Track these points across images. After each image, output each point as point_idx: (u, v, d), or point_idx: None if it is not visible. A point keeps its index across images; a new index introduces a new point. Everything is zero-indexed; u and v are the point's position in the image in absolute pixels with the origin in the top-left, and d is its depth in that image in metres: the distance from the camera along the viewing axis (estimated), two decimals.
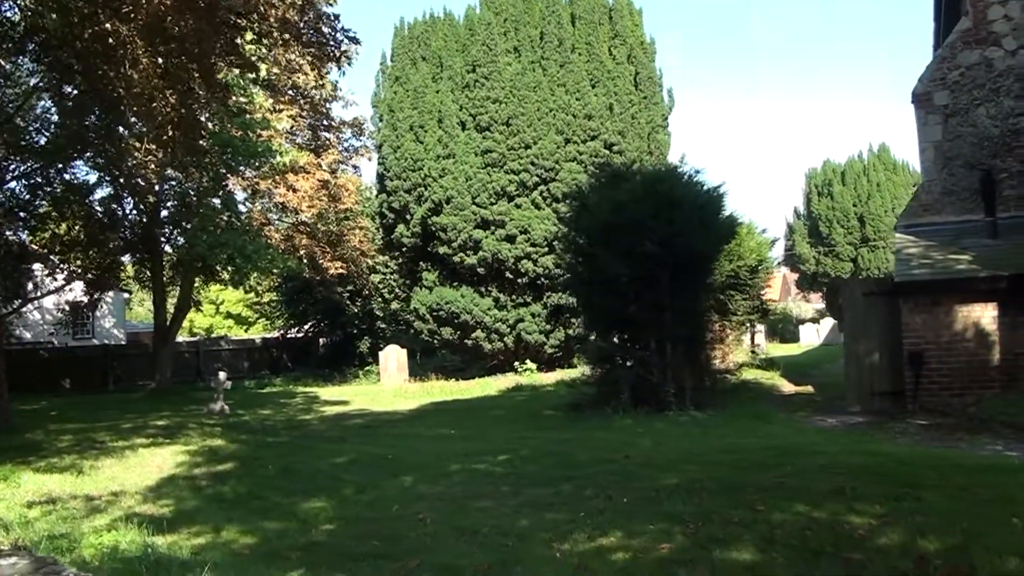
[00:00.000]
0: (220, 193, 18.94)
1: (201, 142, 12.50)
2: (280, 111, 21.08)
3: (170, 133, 10.26)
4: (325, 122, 24.42)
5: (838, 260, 45.52)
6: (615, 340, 13.48)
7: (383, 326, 32.71)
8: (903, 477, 6.84)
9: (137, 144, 10.34)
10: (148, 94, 9.90)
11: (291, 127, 22.46)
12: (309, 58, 11.73)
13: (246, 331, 44.05)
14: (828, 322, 39.24)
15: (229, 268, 18.69)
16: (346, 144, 26.05)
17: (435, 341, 25.12)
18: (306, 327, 33.32)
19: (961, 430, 10.57)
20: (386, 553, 5.95)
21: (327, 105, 24.09)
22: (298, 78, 21.14)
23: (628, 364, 13.27)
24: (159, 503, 8.86)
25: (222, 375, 18.52)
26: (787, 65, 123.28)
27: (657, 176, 13.31)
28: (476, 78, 22.22)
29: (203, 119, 11.81)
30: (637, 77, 23.15)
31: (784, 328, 45.06)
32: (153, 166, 10.93)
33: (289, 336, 33.93)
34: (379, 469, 9.82)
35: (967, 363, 12.15)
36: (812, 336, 37.06)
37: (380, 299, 32.33)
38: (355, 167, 26.98)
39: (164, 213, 21.04)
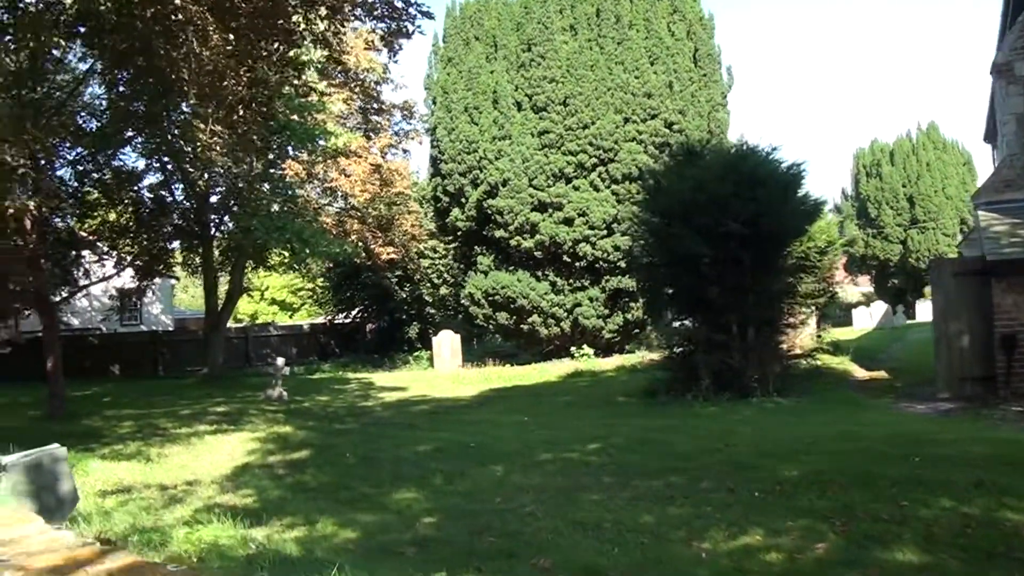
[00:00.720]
0: (275, 177, 18.66)
1: (272, 123, 12.23)
2: (331, 94, 20.75)
3: (240, 113, 9.92)
4: (375, 105, 24.06)
5: (887, 242, 44.50)
6: (694, 323, 12.94)
7: (432, 311, 32.46)
8: None
9: (202, 126, 9.99)
10: (219, 73, 9.55)
11: (342, 111, 22.12)
12: (380, 33, 11.32)
13: (290, 317, 43.99)
14: (879, 305, 38.28)
15: (286, 252, 18.43)
16: (396, 128, 25.73)
17: (490, 326, 24.73)
18: (353, 312, 33.12)
19: None
20: (509, 550, 5.57)
21: (377, 88, 23.75)
22: (348, 59, 20.78)
23: (708, 348, 12.74)
24: (240, 493, 8.56)
25: (280, 361, 18.31)
26: (836, 42, 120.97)
27: (739, 154, 12.78)
28: (532, 57, 21.72)
29: (273, 99, 11.48)
30: (696, 54, 22.51)
31: (833, 312, 44.10)
32: (218, 148, 10.63)
33: (336, 322, 33.76)
34: (464, 457, 9.46)
35: None
36: (865, 320, 36.11)
37: (429, 284, 32.11)
38: (405, 151, 26.72)
39: (214, 199, 20.84)
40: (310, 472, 9.46)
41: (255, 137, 11.70)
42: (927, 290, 46.82)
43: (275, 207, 18.36)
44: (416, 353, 30.84)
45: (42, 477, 5.42)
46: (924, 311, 40.87)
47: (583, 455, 8.89)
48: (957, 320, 12.12)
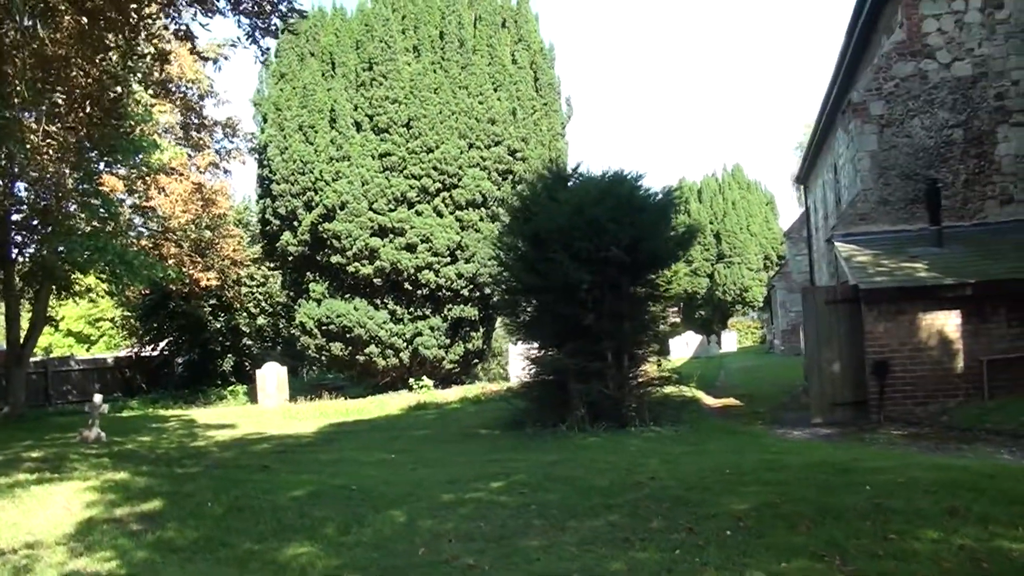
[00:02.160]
0: (90, 192, 16.61)
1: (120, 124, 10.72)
2: (154, 104, 18.92)
3: (87, 110, 8.51)
4: (196, 120, 22.24)
5: (695, 275, 46.79)
6: (565, 352, 12.53)
7: (249, 343, 30.49)
8: (1003, 492, 6.31)
9: (33, 126, 8.46)
10: (64, 60, 8.19)
11: (169, 123, 20.26)
12: (246, 30, 10.16)
13: (87, 350, 40.02)
14: (692, 335, 40.04)
15: (104, 277, 16.45)
16: (218, 146, 23.94)
17: (322, 357, 23.42)
18: (161, 345, 30.47)
19: (947, 439, 10.37)
20: None
21: (201, 102, 21.99)
22: (171, 69, 19.05)
23: (583, 377, 12.36)
24: (97, 556, 7.17)
25: (98, 398, 16.27)
26: (645, 83, 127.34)
27: (615, 179, 12.57)
28: (373, 76, 20.90)
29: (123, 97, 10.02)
30: (538, 83, 22.52)
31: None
32: (50, 153, 9.06)
33: (143, 355, 30.94)
34: (350, 503, 8.45)
35: (931, 371, 12.11)
36: (682, 349, 37.64)
37: (246, 314, 30.15)
38: (226, 171, 24.88)
39: (16, 216, 18.30)
40: (172, 527, 8.10)
41: (104, 139, 10.15)
42: (731, 321, 49.74)
43: (90, 226, 16.35)
44: (231, 388, 28.85)
45: None
46: (729, 341, 43.23)
47: (491, 495, 8.16)
48: (829, 347, 12.45)
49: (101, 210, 16.56)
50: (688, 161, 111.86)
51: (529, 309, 14.64)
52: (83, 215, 16.05)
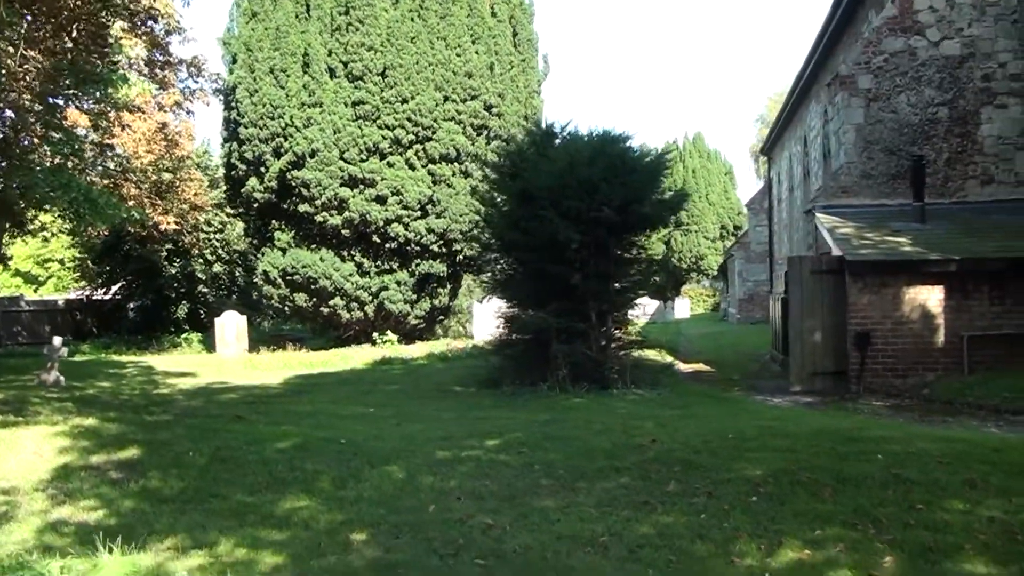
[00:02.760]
0: (54, 124, 15.82)
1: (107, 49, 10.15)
2: (121, 38, 18.04)
3: (74, 32, 7.98)
4: (162, 57, 21.31)
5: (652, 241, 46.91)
6: (549, 312, 12.34)
7: (205, 291, 29.79)
8: (1015, 465, 6.33)
9: (10, 49, 7.87)
10: None
11: (138, 57, 19.38)
12: None
13: (35, 291, 38.66)
14: (646, 300, 40.24)
15: (66, 215, 15.75)
16: (183, 85, 23.01)
17: (285, 308, 22.92)
18: (114, 288, 29.56)
19: (931, 412, 10.50)
20: None
21: (167, 39, 21.06)
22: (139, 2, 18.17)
23: (567, 338, 12.23)
24: (81, 505, 6.88)
25: (57, 340, 15.72)
26: (609, 50, 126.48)
27: (606, 137, 12.34)
28: (349, 21, 20.26)
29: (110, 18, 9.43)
30: (516, 38, 22.09)
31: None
32: (27, 80, 8.48)
33: (94, 298, 30.00)
34: (342, 456, 8.21)
35: (912, 345, 12.22)
36: (637, 313, 37.86)
37: (202, 260, 29.42)
38: (189, 112, 23.96)
39: None
40: (155, 476, 7.80)
41: (89, 66, 9.54)
42: (684, 288, 50.08)
43: (52, 162, 15.58)
44: (185, 335, 28.19)
45: None
46: (682, 307, 43.59)
47: (489, 453, 7.99)
48: (811, 316, 12.48)
49: (66, 145, 15.77)
50: (651, 126, 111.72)
51: (507, 267, 14.45)
52: (47, 148, 15.27)
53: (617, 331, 12.55)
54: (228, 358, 22.07)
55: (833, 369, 12.52)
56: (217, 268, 29.70)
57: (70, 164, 15.85)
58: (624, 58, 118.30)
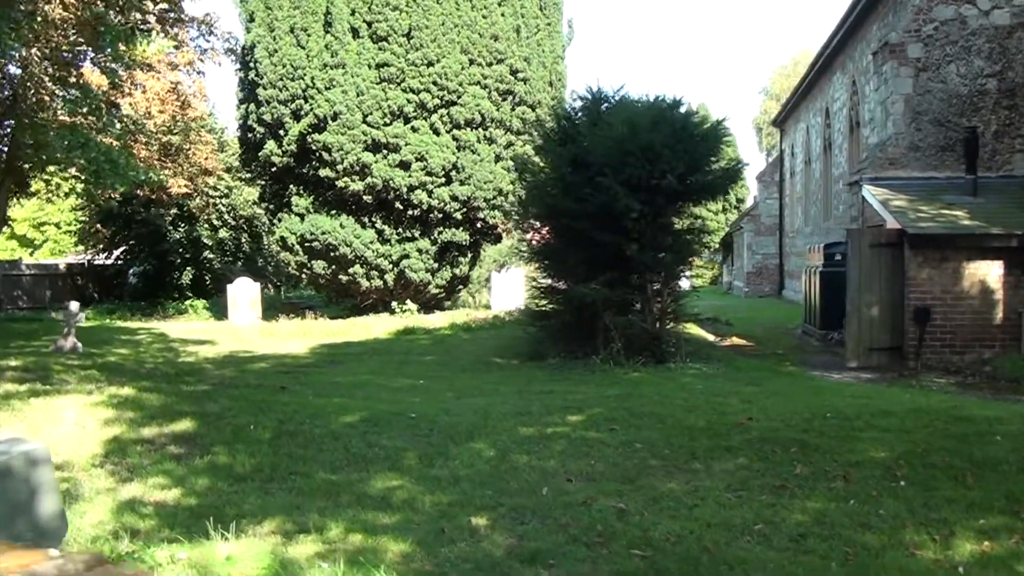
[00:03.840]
0: (70, 81, 15.16)
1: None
2: None
3: None
4: (174, 14, 20.51)
5: None
6: (601, 283, 11.90)
7: (211, 256, 29.15)
8: None
9: None
10: None
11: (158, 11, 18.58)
12: None
13: (31, 255, 37.81)
14: None
15: (83, 176, 15.11)
16: (194, 45, 22.19)
17: (303, 275, 22.37)
18: (116, 253, 28.85)
19: (999, 389, 10.21)
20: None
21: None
22: None
23: (621, 310, 11.81)
24: (148, 482, 6.41)
25: (74, 305, 15.12)
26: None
27: (665, 102, 11.84)
28: None
29: None
30: (542, 1, 21.44)
31: None
32: (57, 23, 7.87)
33: (95, 263, 29.28)
34: (417, 432, 7.78)
35: (971, 321, 11.88)
36: None
37: (207, 226, 28.77)
38: (200, 72, 23.17)
39: None
40: (221, 451, 7.34)
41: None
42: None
43: (71, 119, 14.95)
44: (190, 302, 27.57)
45: (11, 492, 3.28)
46: (683, 281, 43.18)
47: (576, 430, 7.57)
48: (869, 291, 12.11)
49: (83, 103, 15.11)
50: (656, 94, 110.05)
51: (549, 237, 13.99)
52: (59, 106, 14.61)
53: (676, 304, 12.10)
54: (242, 326, 21.51)
55: (889, 345, 12.18)
56: (223, 234, 29.04)
57: (86, 123, 15.20)
58: (625, 27, 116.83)
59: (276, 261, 31.76)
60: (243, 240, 30.17)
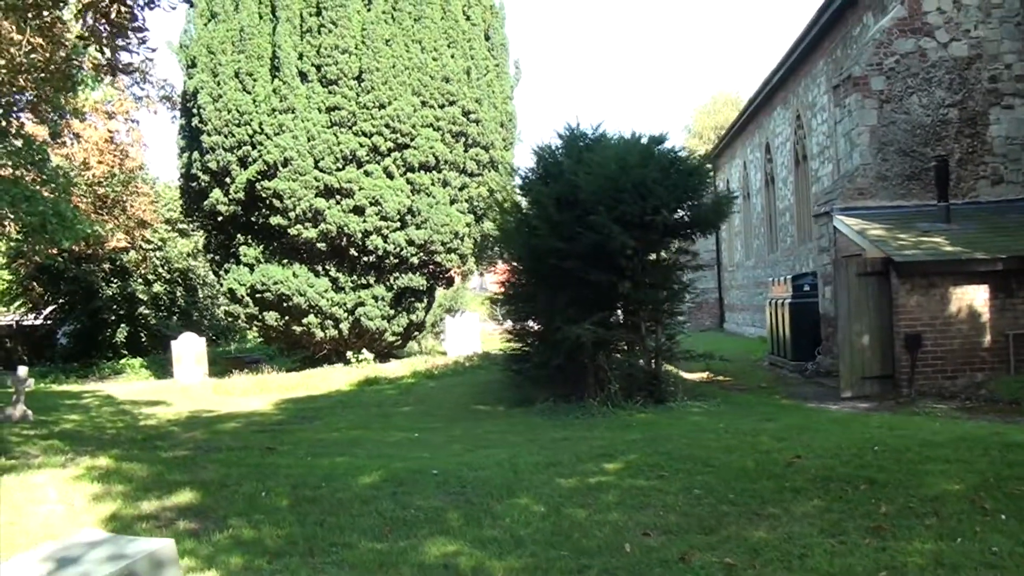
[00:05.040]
0: (12, 132, 14.24)
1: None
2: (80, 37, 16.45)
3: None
4: (106, 60, 19.63)
5: None
6: (597, 323, 11.61)
7: (146, 312, 27.91)
8: None
9: None
10: None
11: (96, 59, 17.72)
12: None
13: None
14: None
15: (33, 232, 14.13)
16: (128, 92, 21.37)
17: (254, 327, 21.50)
18: (45, 312, 27.34)
19: (1007, 412, 10.28)
20: None
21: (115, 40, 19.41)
22: None
23: (622, 349, 11.54)
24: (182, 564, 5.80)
25: (22, 371, 14.13)
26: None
27: (651, 137, 11.73)
28: (321, 23, 19.11)
29: None
30: (490, 43, 21.34)
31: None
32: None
33: (23, 323, 27.70)
34: (449, 489, 7.29)
35: (960, 345, 12.00)
36: None
37: (141, 280, 27.59)
38: (134, 120, 22.29)
39: None
40: (240, 524, 6.72)
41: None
42: None
43: (12, 172, 14.00)
44: (125, 360, 26.29)
45: None
46: None
47: (620, 479, 7.20)
48: (859, 320, 12.13)
49: (25, 155, 14.21)
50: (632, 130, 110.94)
51: (524, 279, 13.70)
52: (4, 158, 13.69)
53: (671, 342, 11.89)
54: (189, 384, 20.53)
55: (880, 373, 12.21)
56: (157, 288, 27.87)
57: (28, 176, 14.31)
58: (552, 68, 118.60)
59: (211, 315, 30.74)
60: (178, 294, 29.02)
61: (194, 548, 6.16)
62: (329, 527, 6.52)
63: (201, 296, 30.55)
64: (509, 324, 14.61)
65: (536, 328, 13.35)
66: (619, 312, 11.94)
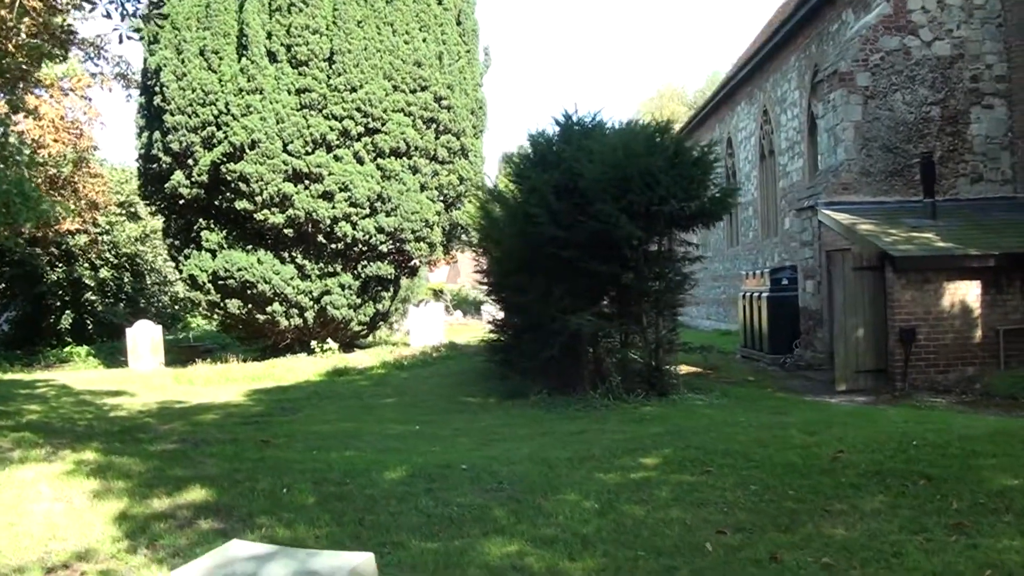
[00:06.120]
0: None
1: None
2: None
3: None
4: (63, 34, 18.68)
5: None
6: (597, 314, 11.42)
7: (92, 298, 26.79)
8: None
9: None
10: None
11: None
12: None
13: None
14: None
15: (1, 213, 13.33)
16: (81, 68, 20.33)
17: (215, 316, 20.75)
18: None
19: (1007, 407, 10.41)
20: None
21: (68, 12, 18.47)
22: None
23: (621, 342, 11.37)
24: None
25: None
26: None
27: (656, 126, 11.56)
28: (291, 2, 18.43)
29: None
30: (461, 28, 20.94)
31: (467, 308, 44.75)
32: None
33: None
34: (483, 485, 6.99)
35: (952, 340, 12.14)
36: None
37: (87, 266, 26.47)
38: (87, 98, 21.25)
39: None
40: (270, 523, 6.33)
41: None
42: None
43: None
44: (70, 348, 25.19)
45: None
46: None
47: (664, 474, 7.00)
48: (854, 314, 12.18)
49: None
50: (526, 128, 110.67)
51: (517, 268, 13.42)
52: None
53: (672, 333, 11.76)
54: (145, 372, 19.74)
55: (874, 367, 12.29)
56: (104, 273, 26.75)
57: None
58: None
59: (159, 302, 29.71)
60: (125, 280, 27.94)
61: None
62: (371, 526, 6.18)
63: (149, 283, 29.47)
64: (491, 315, 14.36)
65: (525, 319, 13.08)
66: (610, 304, 11.74)
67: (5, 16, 10.37)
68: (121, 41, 8.98)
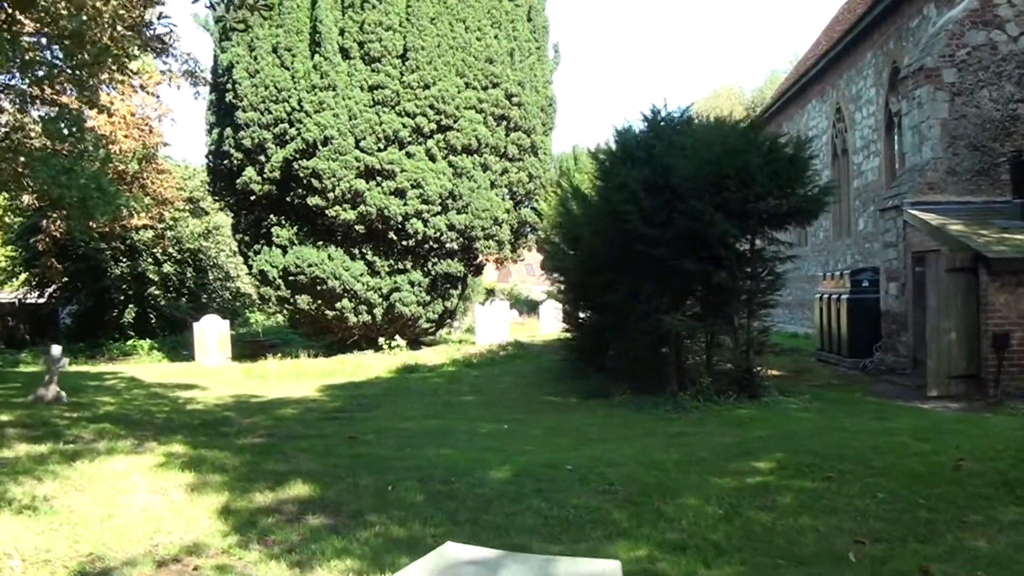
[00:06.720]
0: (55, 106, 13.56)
1: None
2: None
3: None
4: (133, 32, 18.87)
5: None
6: (684, 314, 11.18)
7: (156, 293, 27.12)
8: None
9: None
10: None
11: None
12: None
13: None
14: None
15: (73, 207, 13.47)
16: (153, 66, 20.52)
17: (284, 311, 20.85)
18: (49, 290, 26.43)
19: None
20: None
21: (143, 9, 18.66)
22: None
23: (712, 343, 11.10)
24: (333, 564, 5.25)
25: (56, 350, 13.45)
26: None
27: (751, 122, 11.29)
28: None
29: None
30: (532, 24, 20.79)
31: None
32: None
33: (26, 301, 26.76)
34: (592, 487, 6.78)
35: None
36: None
37: (151, 260, 26.78)
38: (156, 95, 21.48)
39: None
40: (381, 520, 6.17)
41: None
42: None
43: (52, 145, 13.36)
44: (133, 342, 25.49)
45: None
46: None
47: (779, 479, 6.75)
48: (947, 317, 11.77)
49: (61, 124, 13.51)
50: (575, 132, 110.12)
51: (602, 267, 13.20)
52: (49, 129, 13.02)
53: (764, 335, 11.48)
54: (213, 367, 19.89)
55: (966, 372, 11.84)
56: (167, 268, 27.07)
57: (63, 148, 13.64)
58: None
59: (221, 297, 30.01)
60: (188, 275, 28.26)
61: (346, 547, 5.65)
62: (487, 526, 6.02)
63: (211, 278, 29.78)
64: (554, 314, 14.16)
65: (608, 318, 12.87)
66: (695, 303, 11.49)
67: (101, 8, 10.42)
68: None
